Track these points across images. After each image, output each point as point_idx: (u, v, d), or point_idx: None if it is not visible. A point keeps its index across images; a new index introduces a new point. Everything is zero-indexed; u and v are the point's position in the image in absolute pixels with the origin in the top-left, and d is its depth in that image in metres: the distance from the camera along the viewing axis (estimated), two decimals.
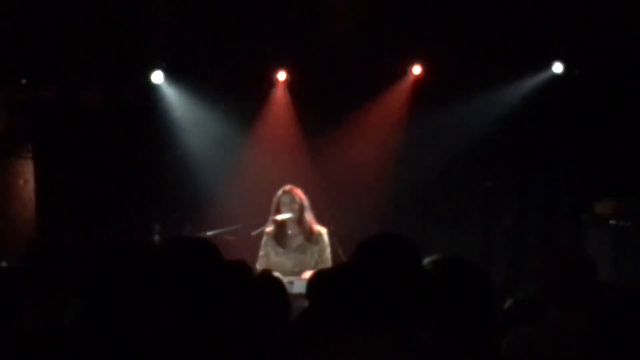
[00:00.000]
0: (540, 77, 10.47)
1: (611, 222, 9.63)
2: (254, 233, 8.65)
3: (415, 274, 3.29)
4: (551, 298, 4.40)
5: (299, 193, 8.54)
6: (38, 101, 10.68)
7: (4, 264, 7.59)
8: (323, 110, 10.59)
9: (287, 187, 8.58)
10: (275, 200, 8.54)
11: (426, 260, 4.22)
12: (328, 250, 8.47)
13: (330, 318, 3.86)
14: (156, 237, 9.38)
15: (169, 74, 10.64)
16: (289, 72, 10.70)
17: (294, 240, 8.55)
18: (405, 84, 10.72)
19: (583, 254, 4.70)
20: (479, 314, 3.70)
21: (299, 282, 7.61)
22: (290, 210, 8.47)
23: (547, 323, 4.39)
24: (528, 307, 5.24)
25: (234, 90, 10.64)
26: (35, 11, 10.01)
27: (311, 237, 8.49)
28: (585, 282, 4.37)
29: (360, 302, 3.26)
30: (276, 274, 6.28)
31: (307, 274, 7.58)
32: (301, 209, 8.49)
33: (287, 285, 5.20)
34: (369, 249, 3.35)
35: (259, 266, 8.23)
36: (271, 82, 10.76)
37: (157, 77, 10.60)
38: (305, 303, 4.69)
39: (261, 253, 8.46)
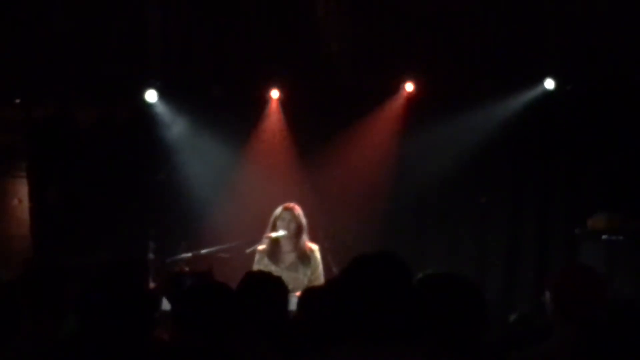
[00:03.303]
0: (532, 93, 10.49)
1: (604, 236, 9.64)
2: (248, 250, 8.66)
3: (406, 292, 3.31)
4: (563, 314, 4.42)
5: (300, 212, 8.56)
6: (32, 120, 10.71)
7: None
8: (316, 127, 10.62)
9: (290, 204, 8.61)
10: (273, 215, 8.55)
11: (418, 276, 4.24)
12: (320, 268, 8.49)
13: (320, 335, 3.88)
14: (151, 255, 9.38)
15: (163, 93, 10.66)
16: (282, 90, 10.73)
17: (287, 257, 8.56)
18: (398, 101, 10.73)
19: (595, 272, 4.70)
20: (471, 329, 3.73)
21: (293, 299, 7.60)
22: (287, 227, 8.48)
23: (555, 340, 4.41)
24: (532, 321, 5.28)
25: (227, 108, 10.66)
26: (29, 30, 10.04)
27: (304, 255, 8.51)
28: (598, 300, 4.41)
29: (350, 319, 3.28)
30: None
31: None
32: (299, 227, 8.51)
33: None
34: (360, 266, 3.37)
35: None
36: (264, 100, 10.79)
37: (151, 95, 10.62)
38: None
39: None
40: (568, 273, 4.67)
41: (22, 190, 10.83)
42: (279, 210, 8.55)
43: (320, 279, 8.31)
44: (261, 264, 8.48)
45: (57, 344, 4.02)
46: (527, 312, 5.46)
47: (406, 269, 3.36)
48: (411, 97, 10.68)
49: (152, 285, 8.02)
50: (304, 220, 8.54)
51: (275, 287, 4.88)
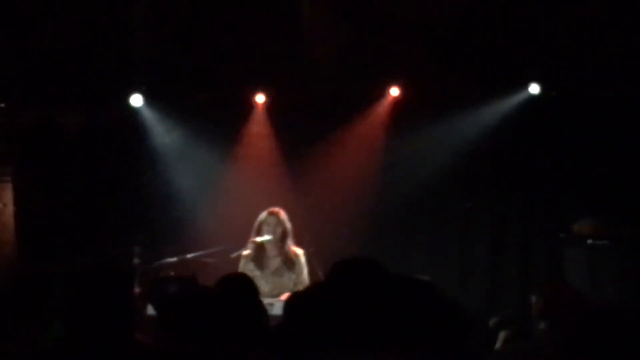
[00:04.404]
0: (517, 98, 10.51)
1: (589, 241, 9.67)
2: (233, 255, 8.66)
3: (385, 296, 3.33)
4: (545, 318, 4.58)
5: (284, 217, 8.57)
6: (17, 125, 10.68)
7: None
8: (302, 132, 10.63)
9: (274, 209, 8.61)
10: (258, 220, 8.56)
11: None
12: (305, 272, 8.50)
13: (306, 340, 3.89)
14: (136, 260, 9.38)
15: (148, 97, 10.65)
16: (267, 95, 10.74)
17: (272, 262, 8.57)
18: (384, 106, 10.75)
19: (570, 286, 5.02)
20: (449, 332, 3.76)
21: (278, 303, 7.61)
22: (272, 232, 8.49)
23: (535, 340, 4.53)
24: (513, 325, 5.35)
25: (212, 113, 10.67)
26: (14, 35, 10.03)
27: (289, 260, 8.52)
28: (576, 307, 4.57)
29: (332, 325, 3.30)
30: None
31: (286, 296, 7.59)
32: (284, 232, 8.52)
33: (267, 307, 5.24)
34: (338, 272, 3.40)
35: None
36: (250, 105, 10.79)
37: (136, 100, 10.61)
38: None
39: None
40: (552, 291, 4.91)
41: (7, 195, 10.79)
42: (264, 215, 8.56)
43: (305, 283, 8.32)
44: (246, 269, 8.48)
45: (41, 350, 4.02)
46: (507, 315, 5.52)
47: (384, 273, 3.38)
48: (397, 102, 10.71)
49: (137, 290, 8.01)
50: (289, 225, 8.56)
51: (244, 289, 4.88)
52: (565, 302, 4.62)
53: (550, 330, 4.54)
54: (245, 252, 8.58)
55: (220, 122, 10.68)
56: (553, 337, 4.42)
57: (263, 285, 8.40)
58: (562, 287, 5.06)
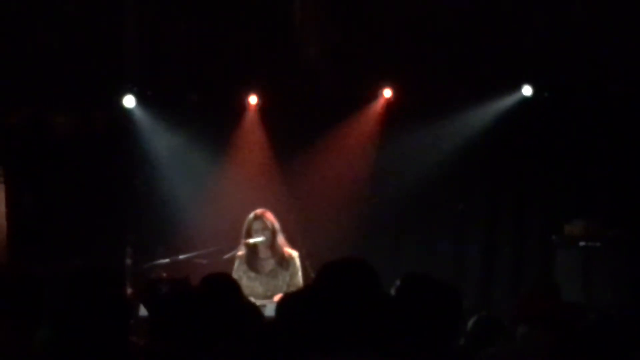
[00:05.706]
0: (510, 100, 10.52)
1: (581, 243, 9.69)
2: (226, 256, 8.66)
3: (374, 297, 3.33)
4: (523, 319, 4.59)
5: (270, 217, 8.54)
6: (9, 126, 10.65)
7: None
8: (295, 133, 10.62)
9: (259, 211, 8.58)
10: (246, 224, 8.54)
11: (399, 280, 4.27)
12: (299, 274, 8.49)
13: (297, 342, 3.89)
14: (128, 261, 9.36)
15: (141, 98, 10.63)
16: (260, 96, 10.73)
17: (265, 264, 8.55)
18: (377, 107, 10.75)
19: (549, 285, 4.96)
20: (447, 332, 3.76)
21: (271, 305, 7.60)
22: (262, 235, 8.48)
23: (517, 341, 4.56)
24: (490, 324, 5.36)
25: (205, 114, 10.66)
26: (5, 36, 10.01)
27: (283, 261, 8.50)
28: (552, 306, 4.59)
29: (321, 326, 3.30)
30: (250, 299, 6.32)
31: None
32: (273, 233, 8.50)
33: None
34: (327, 273, 3.40)
35: None
36: (242, 106, 10.78)
37: (129, 101, 10.59)
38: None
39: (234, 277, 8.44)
40: (530, 294, 4.99)
41: None
42: (250, 218, 8.53)
43: (298, 285, 8.29)
44: (240, 270, 8.49)
45: (32, 351, 4.00)
46: (485, 315, 5.54)
47: (373, 274, 3.38)
48: (389, 103, 10.70)
49: (129, 291, 8.00)
50: (277, 224, 8.54)
51: (226, 288, 4.88)
52: (543, 305, 4.65)
53: (529, 333, 4.56)
54: (240, 252, 8.57)
55: (212, 123, 10.67)
56: (532, 340, 4.44)
57: (257, 286, 8.40)
58: (541, 290, 5.08)
